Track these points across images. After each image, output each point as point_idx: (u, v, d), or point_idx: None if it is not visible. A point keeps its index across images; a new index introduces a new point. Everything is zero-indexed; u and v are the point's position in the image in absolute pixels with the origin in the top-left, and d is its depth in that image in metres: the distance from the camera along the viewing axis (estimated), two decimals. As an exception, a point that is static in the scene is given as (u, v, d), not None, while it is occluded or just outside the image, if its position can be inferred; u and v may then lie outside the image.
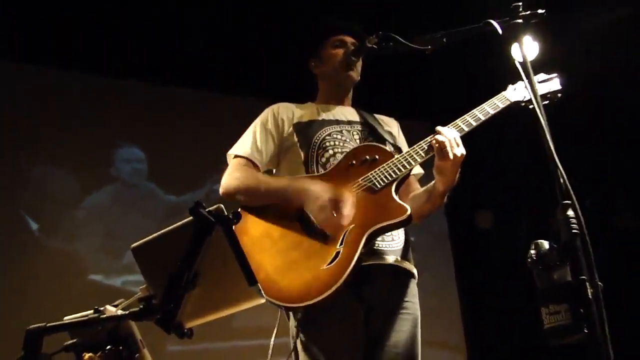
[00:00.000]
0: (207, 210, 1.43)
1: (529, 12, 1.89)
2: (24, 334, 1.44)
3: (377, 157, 2.33)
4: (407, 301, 2.33)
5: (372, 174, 2.27)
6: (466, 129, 2.34)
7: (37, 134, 4.54)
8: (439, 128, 2.30)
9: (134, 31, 4.55)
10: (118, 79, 4.88)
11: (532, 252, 1.62)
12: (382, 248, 2.28)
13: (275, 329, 2.23)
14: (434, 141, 2.27)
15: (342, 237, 2.13)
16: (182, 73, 4.93)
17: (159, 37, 4.64)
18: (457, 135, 2.28)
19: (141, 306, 1.47)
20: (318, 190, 2.22)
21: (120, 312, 1.56)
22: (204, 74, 4.95)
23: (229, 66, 4.95)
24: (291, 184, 2.32)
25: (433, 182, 2.37)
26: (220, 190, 2.38)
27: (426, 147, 2.30)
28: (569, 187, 1.60)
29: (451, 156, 2.23)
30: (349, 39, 2.58)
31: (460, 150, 2.25)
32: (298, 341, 2.20)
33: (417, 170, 2.59)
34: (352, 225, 2.15)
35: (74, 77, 4.74)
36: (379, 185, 2.24)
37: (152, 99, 5.01)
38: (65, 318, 1.57)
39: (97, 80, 4.80)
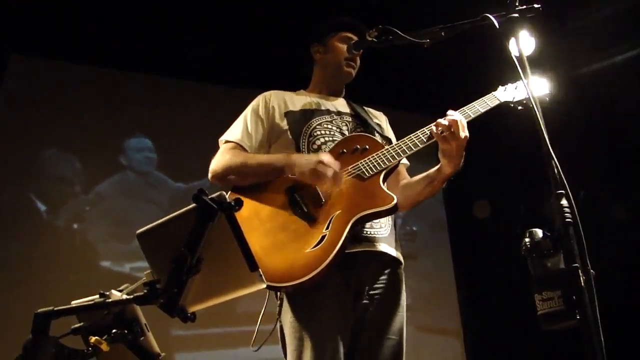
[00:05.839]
0: (209, 197, 1.46)
1: (525, 7, 1.91)
2: (32, 318, 1.48)
3: (367, 146, 2.37)
4: (395, 289, 2.36)
5: (361, 162, 2.31)
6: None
7: (52, 124, 4.66)
8: (449, 112, 2.37)
9: (145, 26, 4.63)
10: (130, 72, 5.00)
11: (527, 240, 1.65)
12: (372, 235, 2.32)
13: (261, 314, 2.27)
14: (442, 122, 2.32)
15: (328, 221, 2.15)
16: (191, 67, 5.03)
17: (170, 31, 4.73)
18: (464, 119, 2.34)
19: (145, 291, 1.48)
20: (307, 163, 2.24)
21: (125, 296, 1.58)
22: (212, 68, 5.06)
23: (237, 60, 5.04)
24: (280, 156, 2.35)
25: (436, 167, 2.42)
26: (209, 175, 2.39)
27: (428, 133, 2.36)
28: (563, 177, 1.64)
29: (460, 136, 2.29)
30: (357, 39, 2.62)
31: (465, 133, 2.32)
32: (285, 320, 2.23)
33: (404, 160, 2.63)
34: (339, 211, 2.18)
35: (88, 70, 4.87)
36: (367, 174, 2.28)
37: (162, 91, 5.11)
38: (73, 302, 1.60)
39: (110, 74, 4.93)
